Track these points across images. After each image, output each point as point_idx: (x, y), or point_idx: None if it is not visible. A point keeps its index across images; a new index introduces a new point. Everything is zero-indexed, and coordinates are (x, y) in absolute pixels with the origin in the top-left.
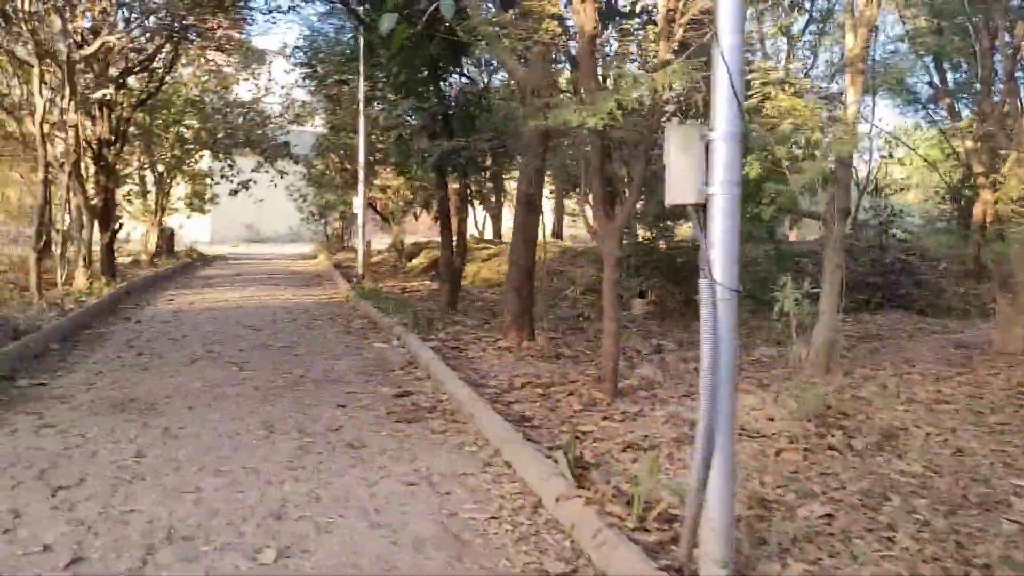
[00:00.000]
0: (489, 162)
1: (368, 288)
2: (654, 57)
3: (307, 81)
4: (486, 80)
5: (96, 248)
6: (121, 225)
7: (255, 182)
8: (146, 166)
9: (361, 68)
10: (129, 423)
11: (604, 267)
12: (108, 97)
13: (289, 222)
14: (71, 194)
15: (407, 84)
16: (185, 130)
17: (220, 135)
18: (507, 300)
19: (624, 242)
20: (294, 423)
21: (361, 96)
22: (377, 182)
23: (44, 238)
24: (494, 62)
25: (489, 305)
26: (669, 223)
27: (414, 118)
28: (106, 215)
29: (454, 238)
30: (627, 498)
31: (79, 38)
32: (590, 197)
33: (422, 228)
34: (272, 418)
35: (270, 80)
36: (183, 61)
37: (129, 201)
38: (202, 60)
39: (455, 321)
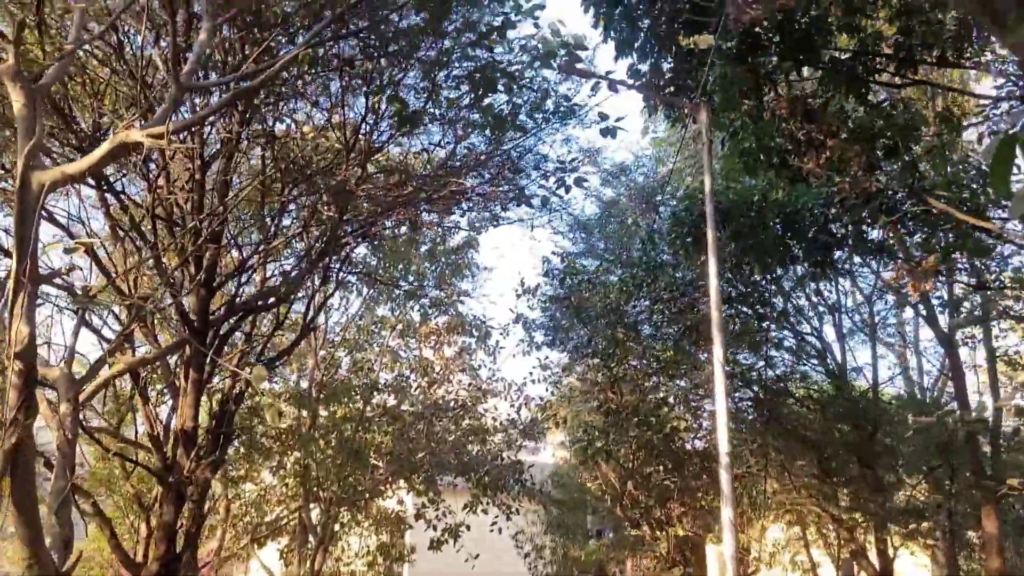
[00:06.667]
0: None
1: None
2: None
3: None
4: None
5: None
6: None
7: (468, 527)
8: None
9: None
10: None
11: None
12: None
13: None
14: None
15: None
16: (368, 444)
17: (420, 454)
18: None
19: None
20: None
21: (714, 288)
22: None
23: None
24: None
25: None
26: None
27: None
28: None
29: None
30: None
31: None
32: None
33: None
34: None
35: (495, 371)
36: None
37: (286, 561)
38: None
39: None
